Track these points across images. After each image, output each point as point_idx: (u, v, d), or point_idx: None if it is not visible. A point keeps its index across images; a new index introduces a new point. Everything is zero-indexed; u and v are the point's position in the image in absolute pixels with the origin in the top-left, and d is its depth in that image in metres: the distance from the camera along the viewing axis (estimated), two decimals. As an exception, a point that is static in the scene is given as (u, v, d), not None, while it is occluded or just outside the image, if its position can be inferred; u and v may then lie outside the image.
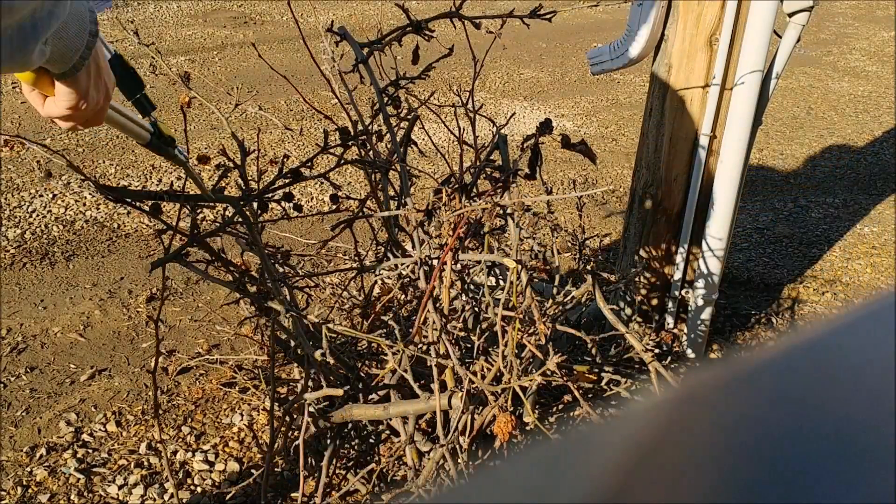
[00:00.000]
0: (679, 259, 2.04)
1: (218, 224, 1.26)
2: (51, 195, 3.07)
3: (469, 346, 1.50)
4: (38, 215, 2.91)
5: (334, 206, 1.38)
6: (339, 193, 1.40)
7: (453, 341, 1.33)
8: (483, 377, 1.29)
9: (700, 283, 2.02)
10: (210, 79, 4.58)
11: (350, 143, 1.32)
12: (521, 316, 1.25)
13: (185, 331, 2.28)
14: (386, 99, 1.40)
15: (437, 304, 1.29)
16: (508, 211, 1.35)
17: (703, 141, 1.89)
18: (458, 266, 1.39)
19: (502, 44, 5.17)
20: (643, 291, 2.15)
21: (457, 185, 1.28)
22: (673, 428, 0.24)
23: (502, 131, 1.48)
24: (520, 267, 1.23)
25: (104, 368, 2.11)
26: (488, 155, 1.49)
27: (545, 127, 1.38)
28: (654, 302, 2.15)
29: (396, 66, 1.48)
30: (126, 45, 4.79)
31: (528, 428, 1.43)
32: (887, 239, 2.97)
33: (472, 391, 1.29)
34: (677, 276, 2.06)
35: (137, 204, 1.19)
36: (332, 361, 1.29)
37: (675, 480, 0.21)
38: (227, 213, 1.26)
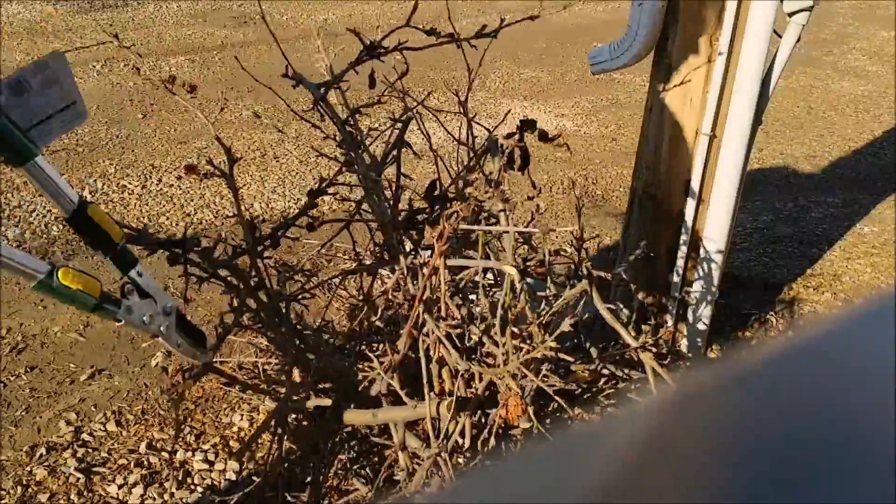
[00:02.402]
0: (679, 259, 2.04)
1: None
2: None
3: (467, 346, 1.50)
4: (38, 215, 2.90)
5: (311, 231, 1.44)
6: (325, 208, 1.42)
7: (448, 343, 1.33)
8: (489, 365, 1.29)
9: (700, 283, 2.02)
10: (210, 78, 4.58)
11: (324, 194, 1.38)
12: (516, 328, 1.25)
13: (185, 330, 2.28)
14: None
15: (430, 308, 1.29)
16: (497, 211, 1.35)
17: (703, 141, 1.89)
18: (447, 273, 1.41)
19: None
20: (643, 291, 2.15)
21: (441, 195, 1.30)
22: (673, 427, 0.24)
23: (496, 132, 1.49)
24: (519, 275, 1.24)
25: (104, 368, 2.11)
26: (479, 159, 1.49)
27: (529, 125, 1.40)
28: (654, 302, 2.15)
29: (395, 68, 1.48)
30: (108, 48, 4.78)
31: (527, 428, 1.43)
32: (887, 239, 2.97)
33: (467, 396, 1.29)
34: (677, 275, 2.06)
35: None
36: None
37: (676, 480, 0.21)
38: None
